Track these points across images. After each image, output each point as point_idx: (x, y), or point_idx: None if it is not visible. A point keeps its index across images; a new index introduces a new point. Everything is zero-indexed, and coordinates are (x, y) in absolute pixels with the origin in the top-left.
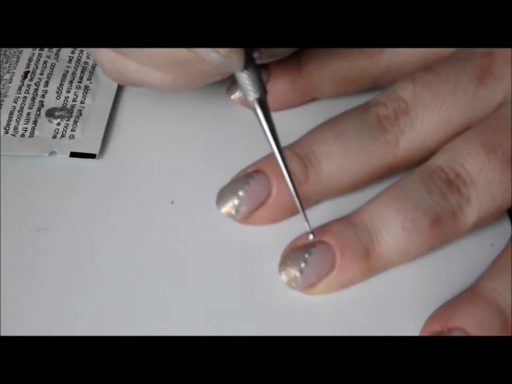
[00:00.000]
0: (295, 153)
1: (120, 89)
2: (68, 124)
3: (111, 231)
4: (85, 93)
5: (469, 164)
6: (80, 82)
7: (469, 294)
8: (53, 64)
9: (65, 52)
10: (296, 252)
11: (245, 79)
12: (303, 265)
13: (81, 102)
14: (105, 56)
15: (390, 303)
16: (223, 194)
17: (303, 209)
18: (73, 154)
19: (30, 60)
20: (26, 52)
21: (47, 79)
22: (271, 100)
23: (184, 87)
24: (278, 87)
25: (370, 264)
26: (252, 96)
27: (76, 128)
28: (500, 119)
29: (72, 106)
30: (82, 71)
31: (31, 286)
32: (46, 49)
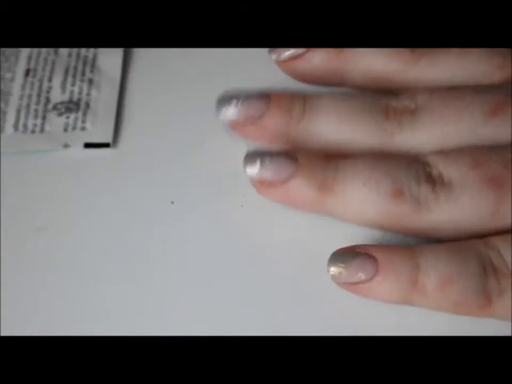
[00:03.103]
0: (304, 95)
1: (124, 79)
2: (77, 117)
3: (112, 231)
4: (89, 85)
5: (454, 169)
6: (83, 75)
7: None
8: (53, 60)
9: (63, 48)
10: (268, 153)
11: None
12: (267, 161)
13: (87, 94)
14: None
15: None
16: (224, 97)
17: None
18: (87, 145)
19: (29, 57)
20: (25, 50)
21: (50, 75)
22: (302, 69)
23: None
24: (314, 60)
25: (321, 197)
26: None
27: (86, 120)
28: (500, 148)
29: (79, 99)
30: (84, 65)
31: (31, 286)
32: None
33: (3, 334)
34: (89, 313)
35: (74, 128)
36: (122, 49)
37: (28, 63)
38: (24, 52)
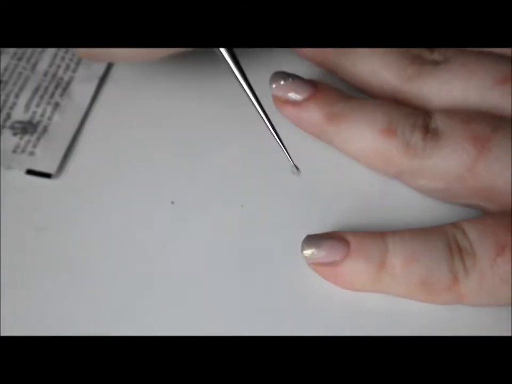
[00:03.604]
0: None
1: (89, 110)
2: (30, 140)
3: (111, 231)
4: (54, 110)
5: (448, 122)
6: (51, 98)
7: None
8: (27, 76)
9: (42, 66)
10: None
11: None
12: (289, 81)
13: (49, 118)
14: None
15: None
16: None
17: (284, 147)
18: (29, 172)
19: (5, 69)
20: (3, 61)
21: (19, 91)
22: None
23: (152, 57)
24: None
25: (326, 124)
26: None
27: (38, 145)
28: (499, 117)
29: (38, 122)
30: (56, 87)
31: (31, 286)
32: (23, 60)
33: (3, 334)
34: (89, 313)
35: (23, 151)
36: (98, 77)
37: (3, 74)
38: (2, 62)
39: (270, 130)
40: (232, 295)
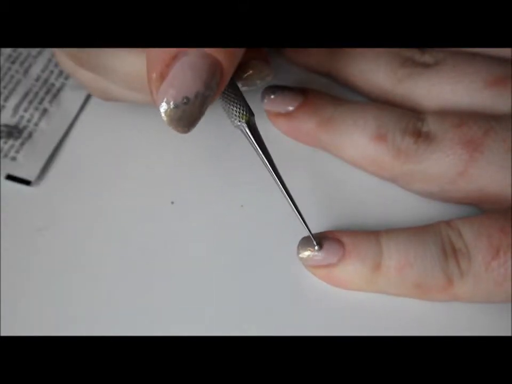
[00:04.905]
0: None
1: (76, 118)
2: (14, 144)
3: (111, 231)
4: (41, 116)
5: (440, 125)
6: (40, 103)
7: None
8: (19, 80)
9: (35, 70)
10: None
11: (230, 103)
12: (278, 93)
13: (35, 124)
14: (87, 77)
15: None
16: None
17: (305, 223)
18: (9, 177)
19: None
20: None
21: (8, 94)
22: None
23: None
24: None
25: (318, 131)
26: (239, 120)
27: (21, 150)
28: (491, 117)
29: (24, 127)
30: (47, 92)
31: (31, 286)
32: (17, 64)
33: (3, 334)
34: (89, 313)
35: (6, 155)
36: None
37: None
38: None
39: (290, 204)
40: (232, 295)
